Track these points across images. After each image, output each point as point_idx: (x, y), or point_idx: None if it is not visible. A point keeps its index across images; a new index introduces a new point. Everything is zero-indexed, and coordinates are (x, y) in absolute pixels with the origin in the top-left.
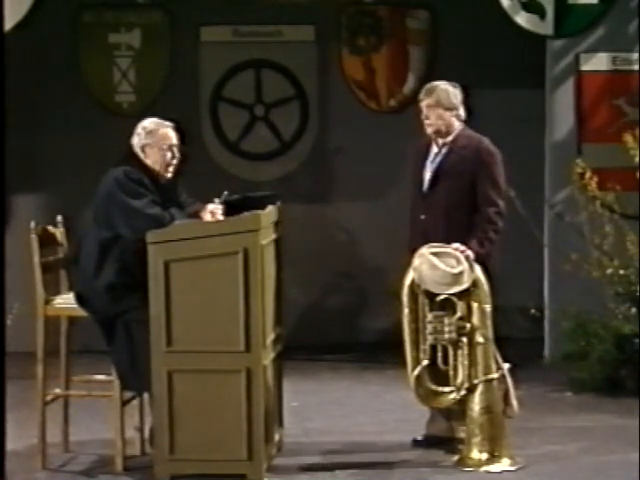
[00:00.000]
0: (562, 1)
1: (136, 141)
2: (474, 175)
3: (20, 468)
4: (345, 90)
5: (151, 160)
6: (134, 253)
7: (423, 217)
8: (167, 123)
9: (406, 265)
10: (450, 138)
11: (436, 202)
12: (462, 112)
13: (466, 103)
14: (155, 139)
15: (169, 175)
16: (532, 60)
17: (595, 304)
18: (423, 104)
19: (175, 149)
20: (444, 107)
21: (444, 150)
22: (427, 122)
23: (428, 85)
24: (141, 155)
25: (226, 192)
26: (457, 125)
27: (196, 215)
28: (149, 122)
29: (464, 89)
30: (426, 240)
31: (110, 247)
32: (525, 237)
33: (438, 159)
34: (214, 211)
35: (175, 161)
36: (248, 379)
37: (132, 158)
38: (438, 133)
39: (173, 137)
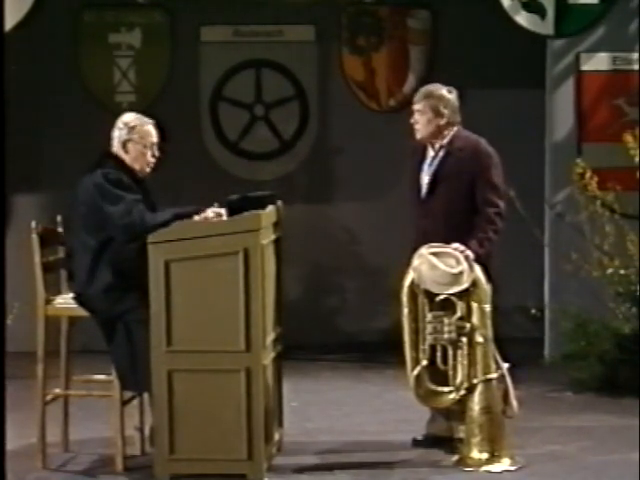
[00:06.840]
0: (562, 1)
1: (117, 135)
2: (473, 177)
3: (20, 468)
4: (345, 90)
5: (132, 156)
6: (128, 256)
7: (423, 222)
8: (148, 120)
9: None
10: (446, 140)
11: (436, 206)
12: (456, 118)
13: (460, 105)
14: (138, 135)
15: (147, 171)
16: (532, 60)
17: (595, 304)
18: (414, 107)
19: (155, 147)
20: (434, 114)
21: (441, 153)
22: (416, 127)
23: (424, 89)
24: (121, 151)
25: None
26: (451, 128)
27: (191, 215)
28: (131, 117)
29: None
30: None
31: (101, 253)
32: (525, 237)
33: (435, 162)
34: (220, 213)
35: (154, 159)
36: (248, 379)
37: (110, 158)
38: (424, 139)
39: (155, 134)
